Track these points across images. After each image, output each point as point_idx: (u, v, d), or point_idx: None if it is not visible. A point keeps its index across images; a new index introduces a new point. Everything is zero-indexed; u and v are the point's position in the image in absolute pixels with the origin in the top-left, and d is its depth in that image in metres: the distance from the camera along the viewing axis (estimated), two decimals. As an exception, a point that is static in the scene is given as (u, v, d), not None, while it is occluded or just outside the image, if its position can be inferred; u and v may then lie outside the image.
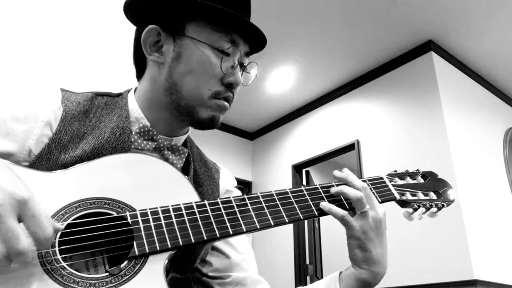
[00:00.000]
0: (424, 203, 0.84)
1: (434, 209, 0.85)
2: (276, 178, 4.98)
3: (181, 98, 0.75)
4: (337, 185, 0.76)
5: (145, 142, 0.75)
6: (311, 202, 0.74)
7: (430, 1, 3.33)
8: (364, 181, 0.81)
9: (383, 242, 0.73)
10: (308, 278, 4.47)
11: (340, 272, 0.77)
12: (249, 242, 0.91)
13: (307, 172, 4.87)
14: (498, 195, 3.83)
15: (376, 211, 0.73)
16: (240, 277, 0.84)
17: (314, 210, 0.73)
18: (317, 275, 4.57)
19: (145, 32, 0.76)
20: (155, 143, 0.77)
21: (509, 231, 3.69)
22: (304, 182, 4.78)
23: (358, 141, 4.15)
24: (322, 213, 0.73)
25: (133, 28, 0.82)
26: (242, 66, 0.79)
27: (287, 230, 4.52)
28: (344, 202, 0.75)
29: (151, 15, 0.77)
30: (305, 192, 0.75)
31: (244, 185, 5.24)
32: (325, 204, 0.73)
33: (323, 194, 0.76)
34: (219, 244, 0.85)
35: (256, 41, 0.79)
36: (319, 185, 0.77)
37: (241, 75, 0.79)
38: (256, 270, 0.89)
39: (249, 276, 0.85)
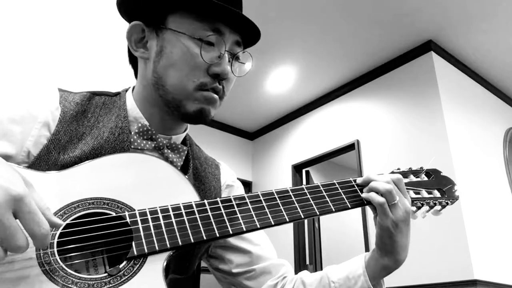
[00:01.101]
0: (428, 201, 0.83)
1: (438, 207, 0.85)
2: (276, 178, 4.98)
3: (167, 92, 0.73)
4: (359, 189, 0.78)
5: (144, 142, 0.75)
6: (312, 201, 0.74)
7: (430, 1, 3.33)
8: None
9: (409, 232, 0.75)
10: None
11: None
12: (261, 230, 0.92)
13: (307, 172, 4.87)
14: (498, 195, 3.83)
15: (405, 204, 0.74)
16: (264, 266, 0.85)
17: (315, 209, 0.73)
18: (317, 275, 4.57)
19: (128, 29, 0.76)
20: (155, 142, 0.76)
21: (509, 231, 3.68)
22: (304, 182, 4.78)
23: (358, 141, 4.15)
24: (323, 212, 0.73)
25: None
26: (235, 57, 0.77)
27: (287, 230, 4.52)
28: (362, 197, 0.77)
29: (138, 11, 0.76)
30: (306, 191, 0.75)
31: (244, 185, 5.19)
32: (365, 195, 0.75)
33: (324, 193, 0.75)
34: (233, 241, 0.85)
35: (248, 32, 0.77)
36: (320, 183, 0.77)
37: (233, 65, 0.76)
38: (275, 253, 0.90)
39: (271, 263, 0.86)
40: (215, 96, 0.74)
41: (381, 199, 0.73)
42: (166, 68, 0.73)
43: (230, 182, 0.92)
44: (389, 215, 0.72)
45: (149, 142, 0.75)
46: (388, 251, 0.75)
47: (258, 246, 0.87)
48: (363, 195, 0.76)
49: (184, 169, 0.81)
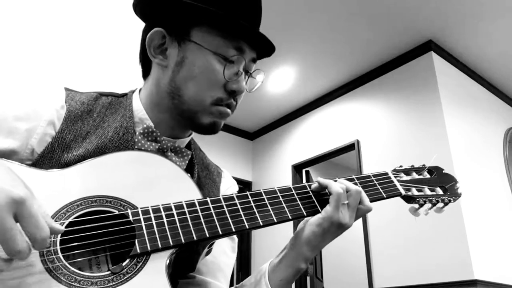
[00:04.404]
0: (430, 198, 0.83)
1: (440, 205, 0.85)
2: (276, 178, 4.98)
3: (183, 103, 0.74)
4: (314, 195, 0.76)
5: (148, 143, 0.75)
6: (314, 199, 0.74)
7: (430, 1, 3.33)
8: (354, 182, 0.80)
9: (331, 241, 0.74)
10: (308, 278, 4.46)
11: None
12: (231, 250, 0.88)
13: (307, 172, 4.87)
14: (498, 195, 3.83)
15: (353, 216, 0.73)
16: (204, 281, 0.81)
17: (318, 206, 0.73)
18: (317, 275, 4.57)
19: (150, 34, 0.76)
20: (159, 144, 0.76)
21: (509, 231, 3.69)
22: (304, 182, 4.78)
23: (358, 141, 4.15)
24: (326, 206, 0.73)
25: (138, 28, 0.82)
26: (247, 73, 0.79)
27: (287, 229, 4.52)
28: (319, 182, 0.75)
29: (158, 16, 0.77)
30: (308, 189, 0.75)
31: (244, 185, 5.24)
32: (322, 180, 0.74)
33: (326, 190, 0.75)
34: None
35: (263, 48, 0.78)
36: (316, 181, 0.77)
37: (246, 81, 0.78)
38: (227, 282, 0.86)
39: (214, 284, 0.81)
40: (229, 111, 0.76)
41: (340, 190, 0.71)
42: (185, 80, 0.73)
43: (229, 193, 0.91)
44: (339, 211, 0.71)
45: (153, 144, 0.75)
46: (310, 245, 0.72)
47: (215, 259, 0.84)
48: (325, 182, 0.74)
49: (189, 174, 0.81)
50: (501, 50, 3.90)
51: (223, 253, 0.86)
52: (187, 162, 0.80)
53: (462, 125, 3.74)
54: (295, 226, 4.49)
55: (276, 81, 4.43)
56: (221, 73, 0.72)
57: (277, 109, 5.00)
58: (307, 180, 4.83)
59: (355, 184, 0.79)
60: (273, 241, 4.68)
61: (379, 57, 4.04)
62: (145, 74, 0.83)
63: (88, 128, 0.72)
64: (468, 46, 3.85)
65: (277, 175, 5.00)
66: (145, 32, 0.79)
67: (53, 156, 0.68)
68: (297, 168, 4.79)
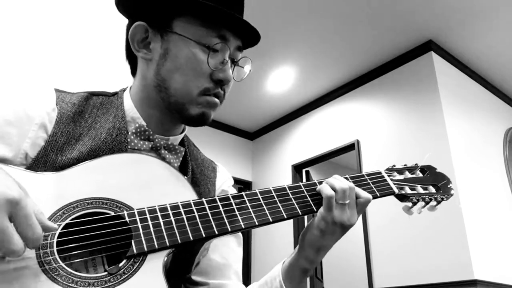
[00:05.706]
0: (423, 197, 0.84)
1: (433, 203, 0.85)
2: (276, 178, 4.98)
3: (170, 95, 0.74)
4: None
5: (141, 142, 0.75)
6: (309, 198, 0.74)
7: (430, 1, 3.33)
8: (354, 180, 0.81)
9: (339, 238, 0.75)
10: (308, 278, 4.46)
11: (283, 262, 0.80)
12: (237, 245, 0.89)
13: (307, 172, 4.87)
14: (498, 195, 3.83)
15: (354, 213, 0.73)
16: (220, 284, 0.82)
17: (313, 205, 0.73)
18: (317, 275, 4.57)
19: (132, 28, 0.76)
20: (152, 142, 0.76)
21: (509, 231, 3.68)
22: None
23: (358, 141, 4.15)
24: (320, 208, 0.73)
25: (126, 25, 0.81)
26: (234, 62, 0.78)
27: (287, 229, 4.52)
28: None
29: (140, 10, 0.76)
30: (303, 188, 0.75)
31: (244, 185, 5.24)
32: (319, 187, 0.74)
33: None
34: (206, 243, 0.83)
35: (248, 36, 0.78)
36: (317, 180, 0.77)
37: (233, 70, 0.77)
38: (239, 277, 0.87)
39: (228, 285, 0.83)
40: (217, 100, 0.75)
41: (330, 192, 0.71)
42: (170, 72, 0.73)
43: (225, 187, 0.91)
44: (332, 211, 0.71)
45: (146, 143, 0.75)
46: (314, 248, 0.73)
47: (224, 259, 0.84)
48: (318, 187, 0.75)
49: (183, 171, 0.81)
50: (501, 50, 3.89)
51: (231, 251, 0.87)
52: (181, 159, 0.80)
53: (462, 125, 3.74)
54: (294, 226, 4.49)
55: (276, 81, 4.43)
56: (205, 63, 0.72)
57: (277, 109, 5.00)
58: (307, 180, 4.82)
59: None
60: (272, 241, 4.68)
61: (379, 57, 4.03)
62: (133, 71, 0.83)
63: (81, 129, 0.72)
64: (468, 46, 3.85)
65: (277, 175, 5.00)
66: (128, 28, 0.78)
67: (47, 159, 0.67)
68: (297, 168, 4.79)
